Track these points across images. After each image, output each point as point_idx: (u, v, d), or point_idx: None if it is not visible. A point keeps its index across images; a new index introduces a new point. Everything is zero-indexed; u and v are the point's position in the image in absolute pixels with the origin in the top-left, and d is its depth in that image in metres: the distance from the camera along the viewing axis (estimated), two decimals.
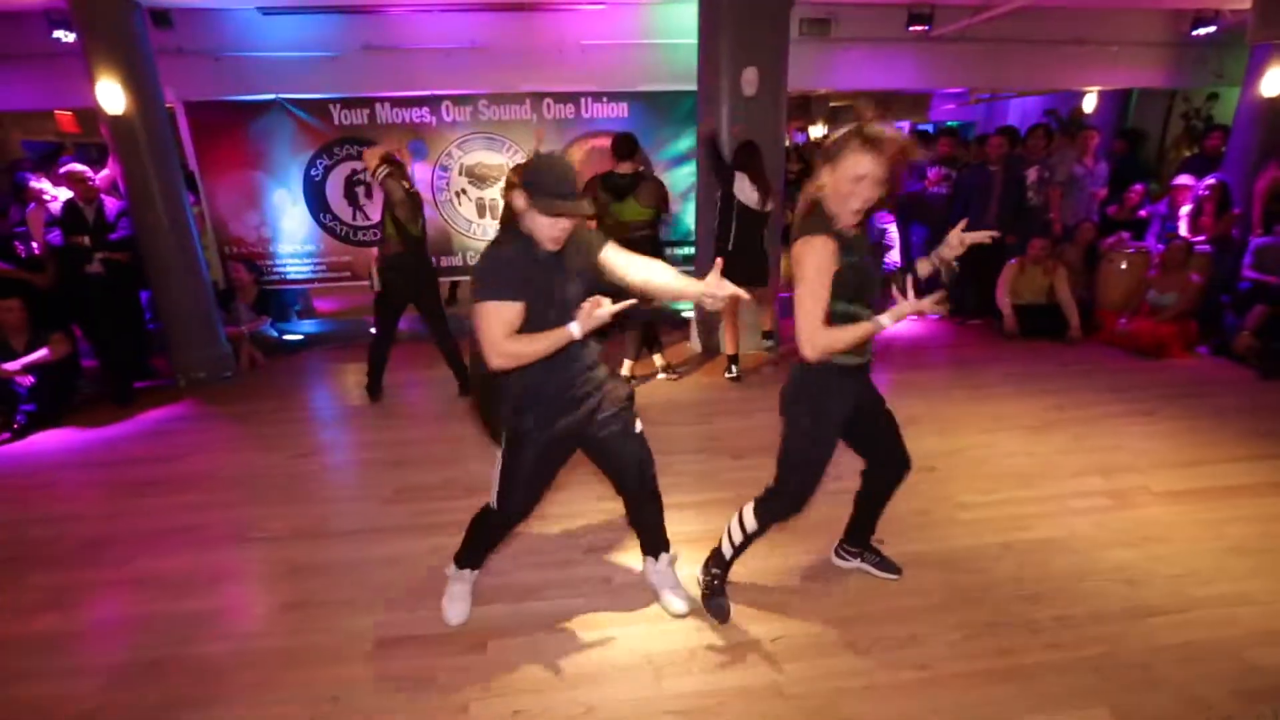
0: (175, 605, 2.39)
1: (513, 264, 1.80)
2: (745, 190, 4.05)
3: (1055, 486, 2.99)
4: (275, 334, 5.38)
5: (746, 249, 4.13)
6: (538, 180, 1.76)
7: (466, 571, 2.27)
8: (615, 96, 5.33)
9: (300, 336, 5.56)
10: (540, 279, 1.82)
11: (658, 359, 4.48)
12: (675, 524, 2.76)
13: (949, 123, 10.58)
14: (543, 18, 5.53)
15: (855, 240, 1.83)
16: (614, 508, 2.90)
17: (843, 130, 1.74)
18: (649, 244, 4.12)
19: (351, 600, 2.37)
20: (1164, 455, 3.27)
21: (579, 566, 2.53)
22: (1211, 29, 6.00)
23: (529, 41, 5.58)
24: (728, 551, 2.20)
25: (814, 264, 1.76)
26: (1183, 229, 5.27)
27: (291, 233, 5.42)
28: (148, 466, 3.47)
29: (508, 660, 2.07)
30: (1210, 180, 5.16)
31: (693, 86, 4.88)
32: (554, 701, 1.92)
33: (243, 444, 3.73)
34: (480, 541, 2.23)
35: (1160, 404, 3.85)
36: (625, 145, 3.99)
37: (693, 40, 4.72)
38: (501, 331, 1.76)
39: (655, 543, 2.29)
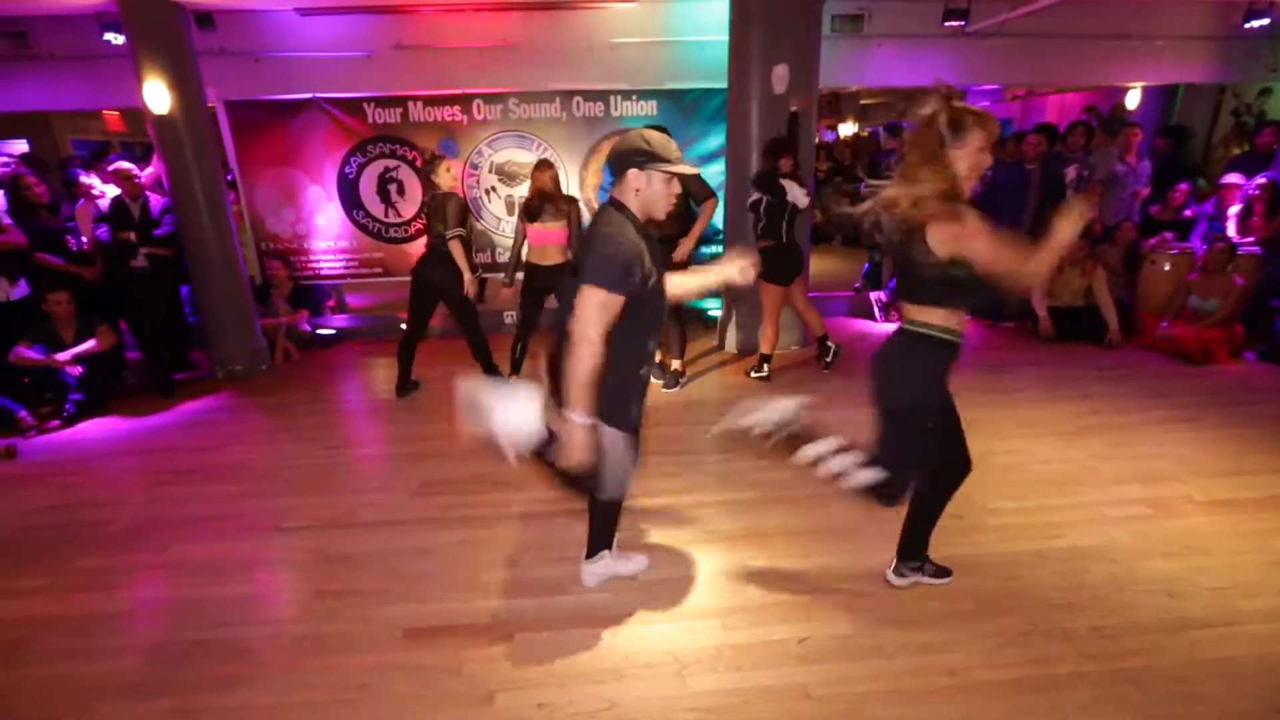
0: (212, 590, 2.47)
1: (635, 251, 1.87)
2: (797, 193, 4.09)
3: (1091, 494, 2.92)
4: (309, 328, 5.51)
5: (789, 245, 4.19)
6: (645, 148, 1.88)
7: (604, 554, 2.39)
8: (644, 94, 5.34)
9: (333, 331, 5.68)
10: (649, 260, 1.92)
11: (675, 363, 4.37)
12: (699, 522, 2.77)
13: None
14: (573, 16, 5.55)
15: None
16: (640, 504, 2.92)
17: (932, 111, 1.82)
18: (667, 239, 4.11)
19: (382, 590, 2.42)
20: (1207, 464, 3.17)
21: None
22: (1265, 21, 5.76)
23: (559, 40, 5.60)
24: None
25: (981, 229, 1.78)
26: (1231, 229, 5.08)
27: (326, 229, 5.54)
28: (187, 455, 3.59)
29: (533, 653, 2.10)
30: (1261, 179, 4.96)
31: (722, 84, 4.86)
32: (578, 695, 1.94)
33: (277, 435, 3.83)
34: (609, 528, 2.37)
35: (1204, 411, 3.72)
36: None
37: (723, 37, 4.70)
38: (601, 321, 1.84)
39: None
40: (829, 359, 4.45)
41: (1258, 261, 4.92)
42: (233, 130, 5.24)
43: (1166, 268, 5.00)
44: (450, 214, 3.94)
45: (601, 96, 5.31)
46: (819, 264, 6.25)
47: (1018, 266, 1.79)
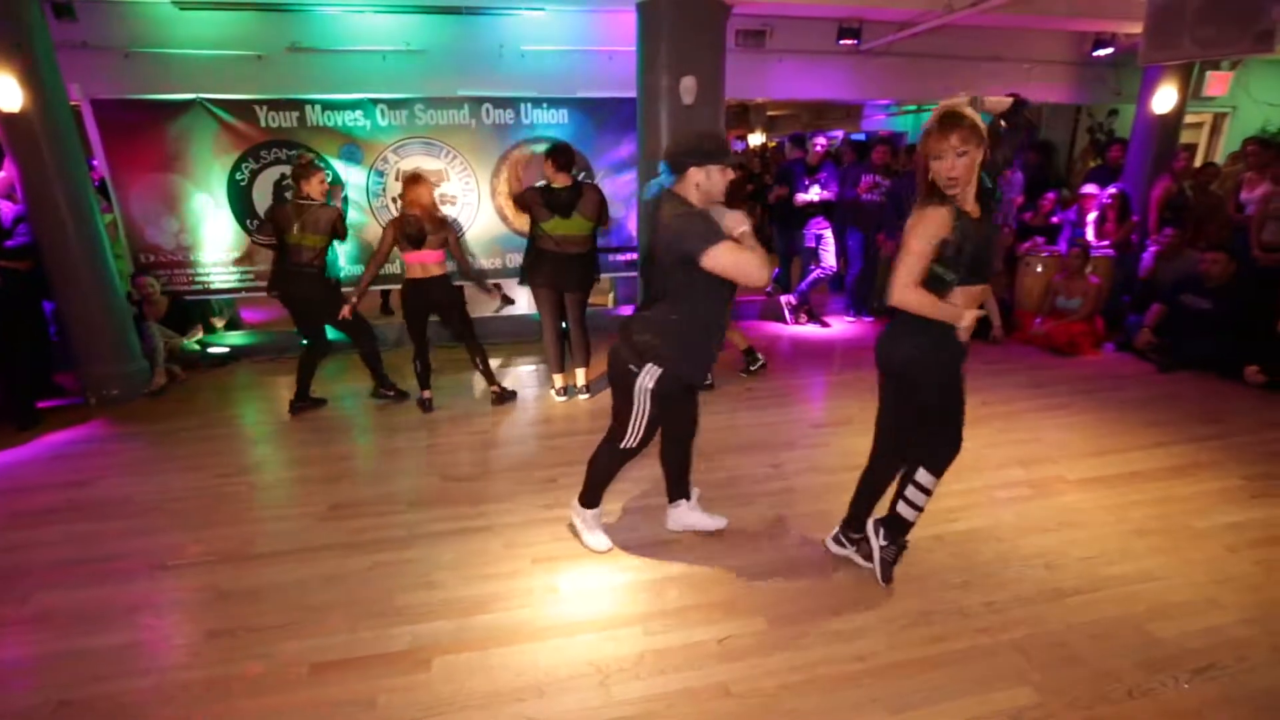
0: (86, 641, 2.22)
1: (706, 214, 2.13)
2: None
3: (981, 479, 3.16)
4: (197, 347, 5.09)
5: None
6: (704, 147, 2.11)
7: (590, 511, 2.64)
8: (555, 103, 5.32)
9: (226, 349, 5.28)
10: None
11: (580, 374, 4.29)
12: (620, 529, 2.78)
13: (879, 132, 11.03)
14: (481, 22, 5.47)
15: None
16: (563, 515, 2.89)
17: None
18: (587, 261, 4.08)
19: (285, 624, 2.26)
20: (1077, 446, 3.51)
21: (526, 577, 2.50)
22: (1110, 50, 6.49)
23: (467, 46, 5.49)
24: (911, 515, 2.33)
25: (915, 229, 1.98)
26: (1089, 234, 5.67)
27: (216, 240, 5.15)
28: (52, 493, 3.22)
29: (453, 677, 2.03)
30: (1112, 189, 5.58)
31: (632, 93, 4.92)
32: (499, 716, 1.89)
33: (161, 465, 3.50)
34: (604, 479, 2.58)
35: (1073, 398, 4.13)
36: (563, 156, 3.85)
37: (632, 48, 4.77)
38: (743, 254, 2.07)
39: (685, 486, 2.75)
40: (754, 367, 4.59)
41: (1111, 263, 5.51)
42: (101, 131, 4.77)
43: (1038, 269, 5.51)
44: (326, 228, 3.79)
45: (512, 104, 5.25)
46: None
47: (900, 280, 1.99)
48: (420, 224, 3.77)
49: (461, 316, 4.12)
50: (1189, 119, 7.43)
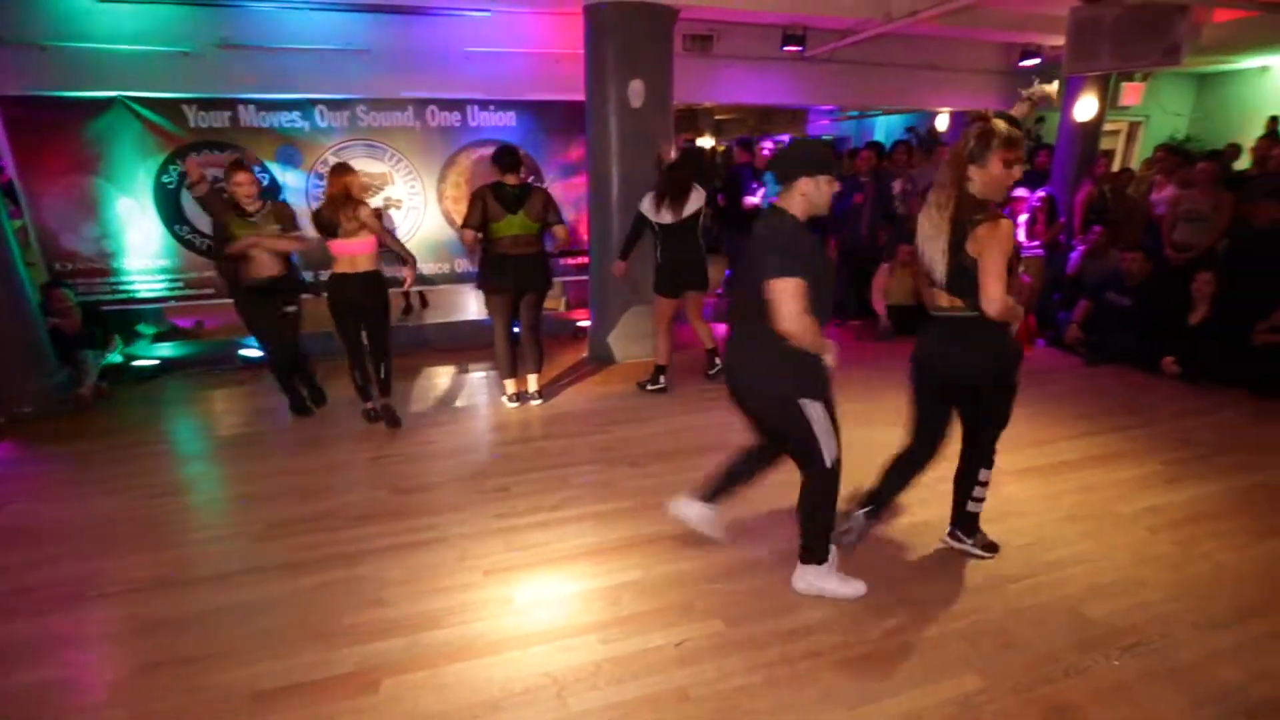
0: (8, 680, 2.05)
1: (806, 241, 2.10)
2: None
3: (930, 474, 3.25)
4: (120, 360, 4.79)
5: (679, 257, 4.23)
6: (813, 157, 2.11)
7: (823, 566, 2.34)
8: (502, 105, 5.25)
9: (155, 361, 4.99)
10: (815, 251, 2.14)
11: (533, 380, 4.23)
12: (575, 536, 2.75)
13: (825, 137, 11.33)
14: (425, 22, 5.35)
15: None
16: (513, 524, 2.84)
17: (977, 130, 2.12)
18: (539, 261, 4.00)
19: (221, 653, 2.14)
20: (1015, 438, 3.61)
21: (479, 590, 2.44)
22: (1036, 60, 6.83)
23: (411, 46, 5.37)
24: (977, 509, 2.54)
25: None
26: (1021, 235, 5.95)
27: (142, 247, 4.86)
28: None
29: (404, 698, 1.96)
30: (1041, 193, 5.87)
31: (581, 97, 4.90)
32: None
33: (82, 488, 3.28)
34: (828, 518, 2.31)
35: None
36: (509, 157, 3.82)
37: (579, 51, 4.75)
38: (801, 305, 2.01)
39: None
40: (714, 371, 4.51)
41: (1042, 262, 5.80)
42: (9, 131, 4.44)
43: None
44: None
45: (458, 106, 5.15)
46: None
47: (999, 290, 2.10)
48: (334, 210, 3.53)
49: (383, 323, 3.83)
50: (1108, 127, 7.90)
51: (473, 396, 4.45)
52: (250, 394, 4.54)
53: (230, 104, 4.76)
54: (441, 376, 4.87)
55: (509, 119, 5.27)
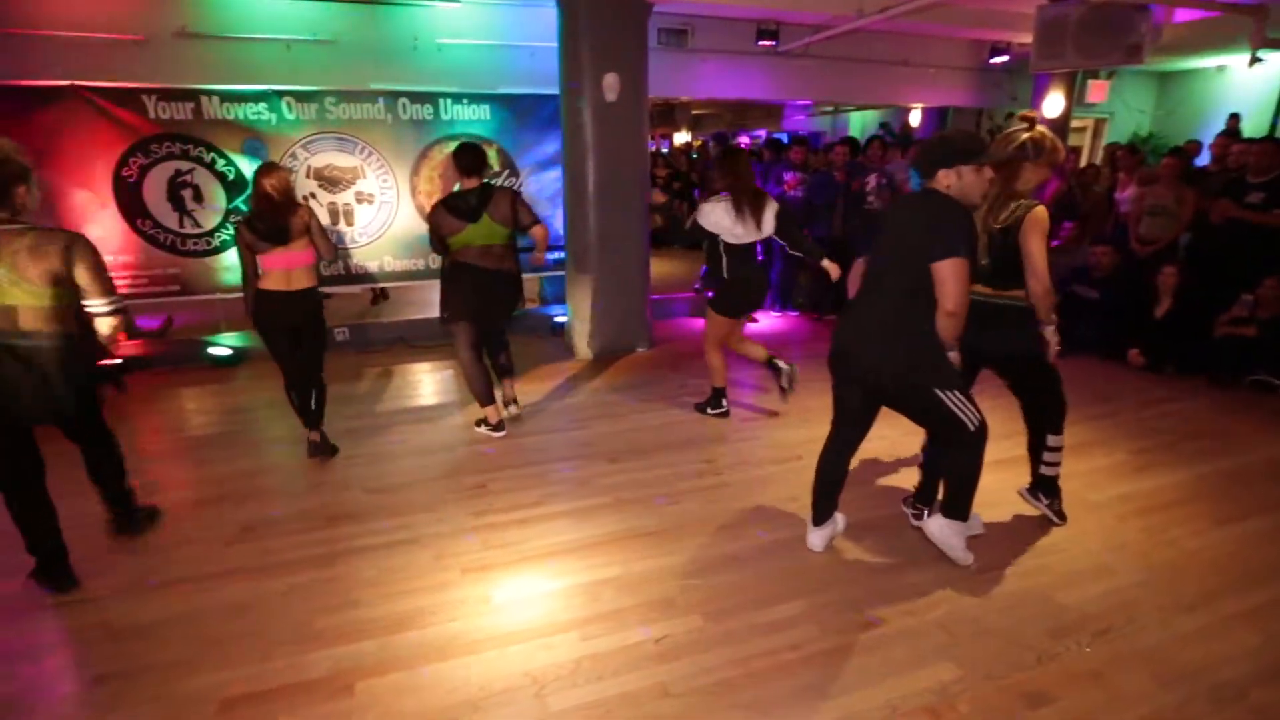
0: None
1: (971, 223, 2.14)
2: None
3: (905, 466, 3.30)
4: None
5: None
6: (965, 147, 2.12)
7: (963, 523, 2.42)
8: (476, 98, 5.17)
9: (118, 361, 4.82)
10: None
11: (509, 386, 3.84)
12: (554, 533, 2.73)
13: (799, 132, 11.39)
14: (395, 13, 5.24)
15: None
16: (490, 522, 2.81)
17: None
18: (514, 281, 3.54)
19: (186, 660, 2.08)
20: (991, 429, 3.71)
21: (456, 589, 2.40)
22: (1005, 58, 6.95)
23: (380, 37, 5.26)
24: (1053, 472, 2.74)
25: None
26: None
27: (102, 242, 4.65)
28: None
29: (379, 701, 1.92)
30: None
31: (554, 90, 4.85)
32: None
33: None
34: (975, 478, 2.37)
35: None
36: (469, 158, 3.33)
37: (553, 44, 4.69)
38: (966, 286, 2.08)
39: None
40: (787, 383, 3.84)
41: None
42: None
43: None
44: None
45: (430, 99, 5.05)
46: (659, 267, 6.47)
47: (1046, 277, 2.35)
48: (277, 213, 3.03)
49: (321, 345, 3.38)
50: (1074, 123, 8.07)
51: (445, 394, 4.38)
52: (218, 393, 4.42)
53: (193, 95, 4.61)
54: (413, 374, 4.80)
55: (483, 112, 5.19)
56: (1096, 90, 7.76)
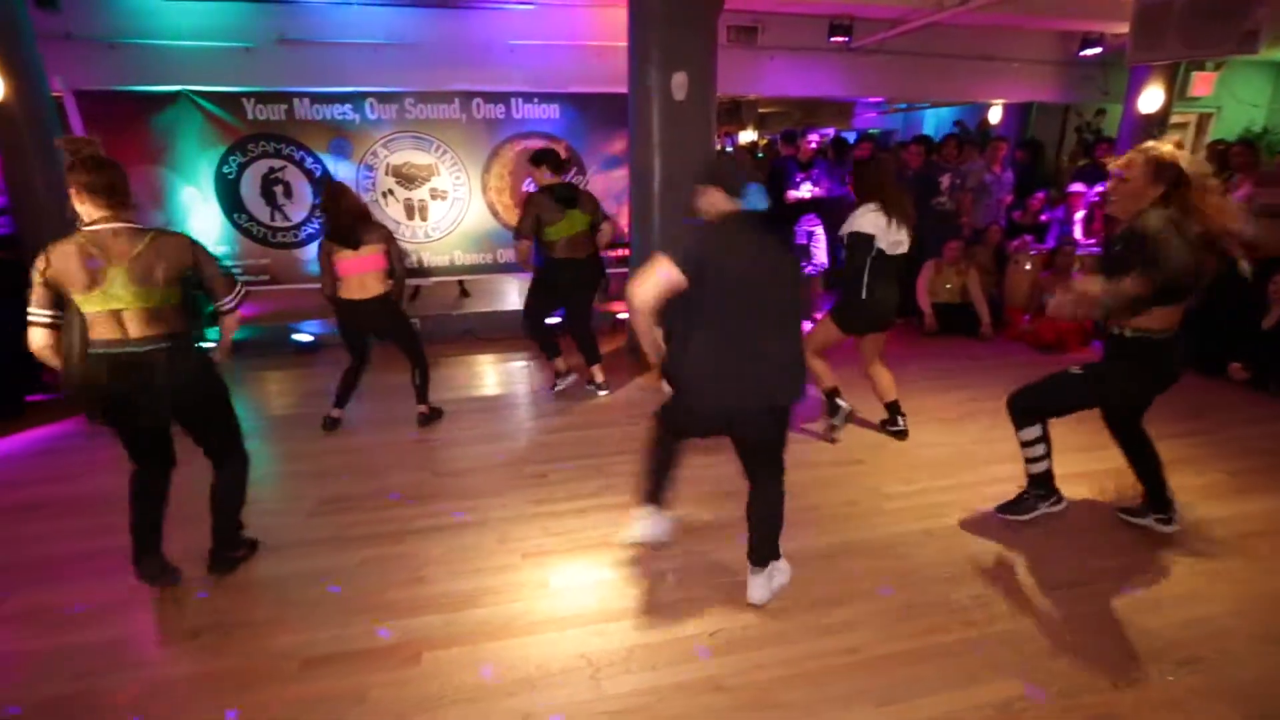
0: (71, 638, 2.20)
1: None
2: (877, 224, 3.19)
3: (970, 475, 3.18)
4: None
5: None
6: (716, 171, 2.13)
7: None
8: (546, 98, 5.30)
9: (212, 344, 5.21)
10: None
11: (598, 371, 4.23)
12: (610, 524, 2.77)
13: (870, 130, 11.07)
14: (471, 16, 5.44)
15: None
16: (550, 510, 2.89)
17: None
18: (595, 261, 4.06)
19: (273, 619, 2.25)
20: (1065, 441, 3.50)
21: (517, 572, 2.50)
22: (1098, 50, 6.54)
23: (457, 39, 5.48)
24: (1041, 468, 2.78)
25: None
26: (1077, 233, 5.72)
27: (202, 233, 5.08)
28: (35, 488, 3.18)
29: (443, 671, 2.02)
30: (1100, 188, 5.63)
31: (623, 89, 4.91)
32: (490, 710, 1.89)
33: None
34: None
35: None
36: (555, 159, 3.91)
37: (622, 43, 4.75)
38: None
39: None
40: (897, 426, 3.62)
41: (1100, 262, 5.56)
42: (85, 124, 4.70)
43: (1027, 267, 5.55)
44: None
45: (502, 99, 5.22)
46: None
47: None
48: (353, 221, 3.36)
49: (406, 332, 3.73)
50: (1174, 119, 7.51)
51: (513, 385, 4.52)
52: (299, 377, 4.71)
53: (286, 97, 4.93)
54: (482, 365, 4.97)
55: (553, 111, 5.31)
56: (1202, 83, 7.20)
